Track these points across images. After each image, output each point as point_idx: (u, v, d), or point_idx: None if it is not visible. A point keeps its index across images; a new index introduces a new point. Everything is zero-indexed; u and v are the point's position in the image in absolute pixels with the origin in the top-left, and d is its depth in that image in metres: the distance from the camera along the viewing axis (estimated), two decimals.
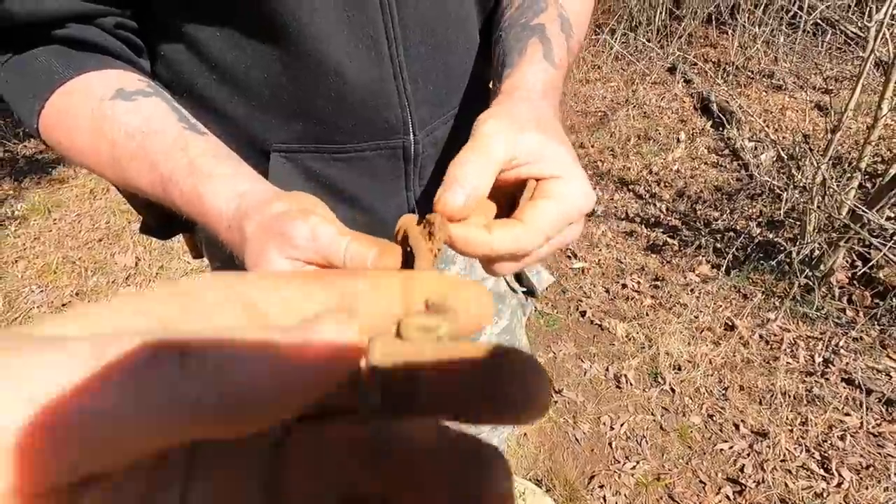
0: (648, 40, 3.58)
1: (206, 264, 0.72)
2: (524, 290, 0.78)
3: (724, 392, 1.54)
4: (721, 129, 2.77)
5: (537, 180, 0.33)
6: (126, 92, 0.40)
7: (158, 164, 0.38)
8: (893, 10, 1.49)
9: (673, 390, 1.56)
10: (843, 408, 1.45)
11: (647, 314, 1.82)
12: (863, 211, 1.45)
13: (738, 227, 2.10)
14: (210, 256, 0.66)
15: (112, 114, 0.39)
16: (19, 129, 2.91)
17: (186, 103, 0.44)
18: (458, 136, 0.55)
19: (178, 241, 2.19)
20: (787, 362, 1.60)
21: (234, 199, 0.35)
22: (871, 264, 1.61)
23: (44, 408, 0.09)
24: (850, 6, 2.82)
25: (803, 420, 1.43)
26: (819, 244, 1.71)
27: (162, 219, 0.64)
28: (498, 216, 0.33)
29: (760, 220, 2.12)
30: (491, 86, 0.50)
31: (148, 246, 2.24)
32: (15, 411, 0.09)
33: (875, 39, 1.43)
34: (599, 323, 1.81)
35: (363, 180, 0.52)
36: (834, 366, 1.56)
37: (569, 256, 2.14)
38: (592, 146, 2.86)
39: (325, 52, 0.43)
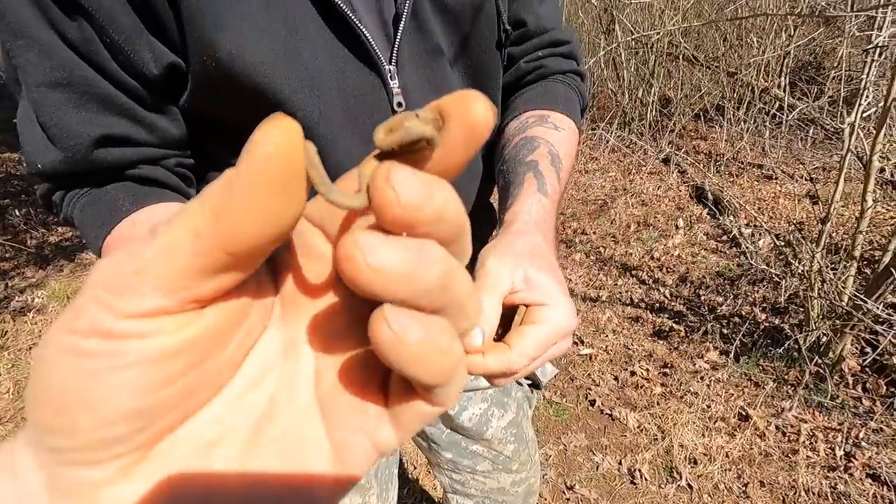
0: (642, 134, 3.82)
1: None
2: (528, 382, 0.80)
3: (743, 489, 1.46)
4: (718, 216, 2.88)
5: (527, 306, 0.38)
6: None
7: None
8: (863, 112, 1.62)
9: (690, 486, 1.49)
10: None
11: (658, 403, 1.78)
12: (861, 300, 1.47)
13: (742, 313, 2.11)
14: None
15: None
16: (48, 218, 3.07)
17: None
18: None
19: None
20: (808, 455, 1.53)
21: None
22: (878, 351, 1.60)
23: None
24: (827, 105, 3.04)
25: None
26: (824, 332, 1.72)
27: None
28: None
29: (765, 305, 2.13)
30: (497, 210, 0.56)
31: None
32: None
33: (849, 139, 1.54)
34: (610, 412, 1.77)
35: None
36: (857, 460, 1.49)
37: (576, 343, 2.13)
38: (594, 233, 2.96)
39: (331, 152, 0.48)
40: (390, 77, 0.48)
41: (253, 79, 0.43)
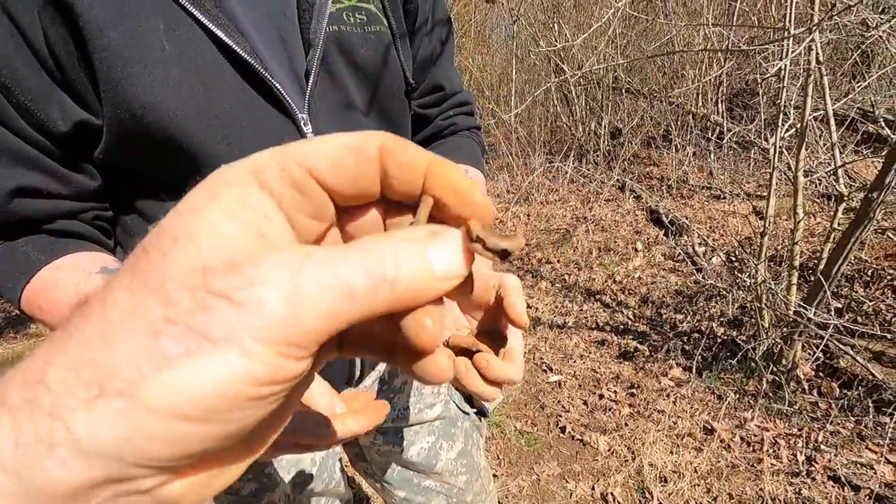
0: (597, 164, 3.98)
1: None
2: (475, 410, 0.82)
3: (713, 502, 1.48)
4: (673, 237, 2.99)
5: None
6: (108, 269, 0.49)
7: None
8: (785, 132, 1.75)
9: None
10: None
11: (627, 424, 1.80)
12: (802, 307, 1.55)
13: (702, 328, 2.18)
14: None
15: (100, 279, 0.47)
16: None
17: None
18: None
19: None
20: (772, 463, 1.57)
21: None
22: (824, 354, 1.67)
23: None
24: (762, 128, 3.24)
25: None
26: (775, 339, 1.79)
27: None
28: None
29: (722, 319, 2.21)
30: None
31: None
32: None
33: (774, 158, 1.66)
34: (581, 438, 1.78)
35: None
36: (818, 463, 1.53)
37: (545, 370, 2.16)
38: (558, 261, 3.03)
39: None
40: (304, 124, 0.52)
41: (167, 130, 0.45)
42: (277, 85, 0.49)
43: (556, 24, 4.04)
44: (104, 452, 0.14)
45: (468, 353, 0.43)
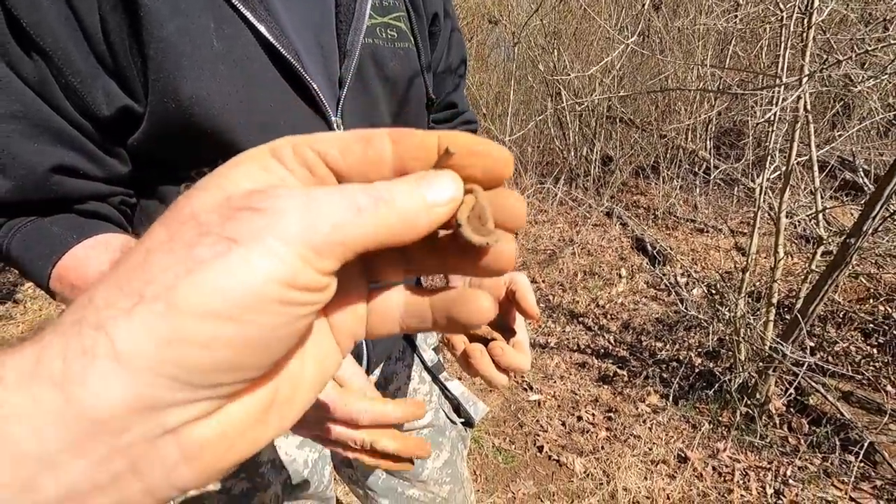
0: (586, 189, 4.06)
1: None
2: (462, 420, 0.83)
3: None
4: (657, 266, 3.06)
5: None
6: None
7: None
8: (771, 174, 1.82)
9: None
10: None
11: (603, 447, 1.82)
12: (778, 343, 1.60)
13: (680, 357, 2.23)
14: None
15: None
16: None
17: None
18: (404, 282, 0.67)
19: None
20: (742, 495, 1.60)
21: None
22: (798, 391, 1.72)
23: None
24: (749, 167, 3.36)
25: None
26: (750, 373, 1.84)
27: None
28: None
29: (700, 350, 2.26)
30: None
31: None
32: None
33: (759, 198, 1.72)
34: (557, 458, 1.79)
35: None
36: (785, 497, 1.57)
37: (525, 389, 2.17)
38: (543, 281, 3.07)
39: None
40: (336, 126, 0.56)
41: (210, 122, 0.48)
42: (316, 87, 0.52)
43: (556, 50, 4.14)
44: (142, 365, 0.15)
45: (482, 340, 0.46)
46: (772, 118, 1.51)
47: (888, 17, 2.22)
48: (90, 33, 0.44)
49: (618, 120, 4.13)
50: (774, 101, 1.52)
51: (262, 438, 0.19)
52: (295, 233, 0.16)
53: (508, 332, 0.49)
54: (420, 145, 0.19)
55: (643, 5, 3.26)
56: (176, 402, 0.16)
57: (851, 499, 1.55)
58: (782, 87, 1.60)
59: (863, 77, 1.62)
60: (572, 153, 4.32)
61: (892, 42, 1.42)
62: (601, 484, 1.68)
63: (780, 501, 1.56)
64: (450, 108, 0.77)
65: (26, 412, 0.15)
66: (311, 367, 0.21)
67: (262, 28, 0.48)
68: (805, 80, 1.36)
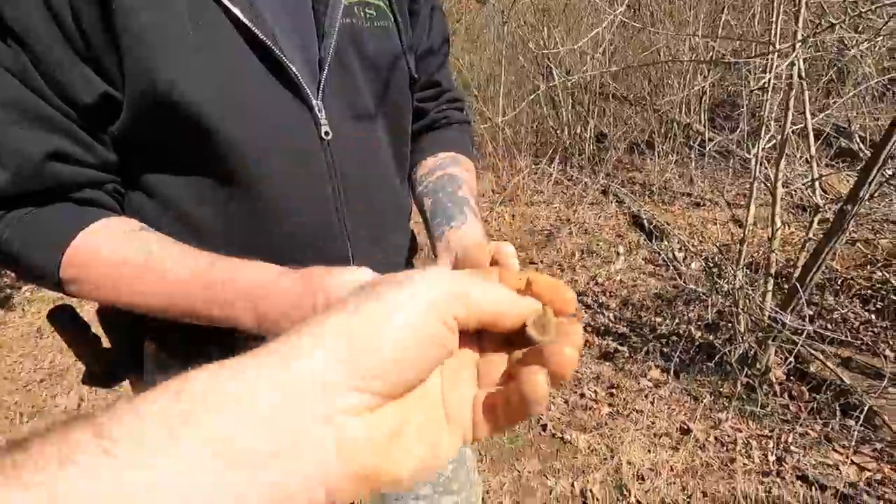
0: (581, 167, 4.04)
1: None
2: None
3: (688, 500, 1.52)
4: (654, 242, 3.06)
5: None
6: (147, 227, 0.52)
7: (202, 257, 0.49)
8: (766, 144, 1.81)
9: (639, 502, 1.53)
10: None
11: (607, 423, 1.84)
12: (777, 313, 1.61)
13: (680, 332, 2.24)
14: None
15: (144, 234, 0.50)
16: None
17: None
18: (389, 261, 0.67)
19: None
20: (744, 463, 1.62)
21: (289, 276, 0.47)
22: (790, 359, 1.73)
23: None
24: (744, 138, 3.34)
25: None
26: (750, 344, 1.85)
27: (107, 365, 0.69)
28: None
29: (699, 323, 2.27)
30: (430, 226, 0.65)
31: None
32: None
33: (755, 168, 1.71)
34: (561, 436, 1.81)
35: None
36: (787, 463, 1.59)
37: None
38: (542, 262, 3.07)
39: (284, 202, 0.55)
40: (318, 110, 0.55)
41: (189, 109, 0.47)
42: (294, 70, 0.51)
43: (546, 28, 4.08)
44: (325, 351, 0.20)
45: None
46: (766, 86, 1.49)
47: None
48: (62, 19, 0.43)
49: (611, 96, 4.09)
50: (768, 69, 1.50)
51: (400, 468, 0.22)
52: (427, 299, 0.22)
53: None
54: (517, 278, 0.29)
55: None
56: (345, 386, 0.20)
57: (853, 462, 1.57)
58: (775, 54, 1.57)
59: (857, 41, 1.60)
60: (566, 132, 4.28)
61: (886, 3, 1.40)
62: (605, 459, 1.69)
63: (782, 468, 1.58)
64: (434, 87, 0.75)
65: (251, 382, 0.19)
66: (419, 446, 0.24)
67: (236, 11, 0.47)
68: (798, 45, 1.34)
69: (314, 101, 0.54)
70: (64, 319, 0.66)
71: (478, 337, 0.28)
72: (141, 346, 0.71)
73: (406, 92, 0.65)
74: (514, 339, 0.28)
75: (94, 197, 0.51)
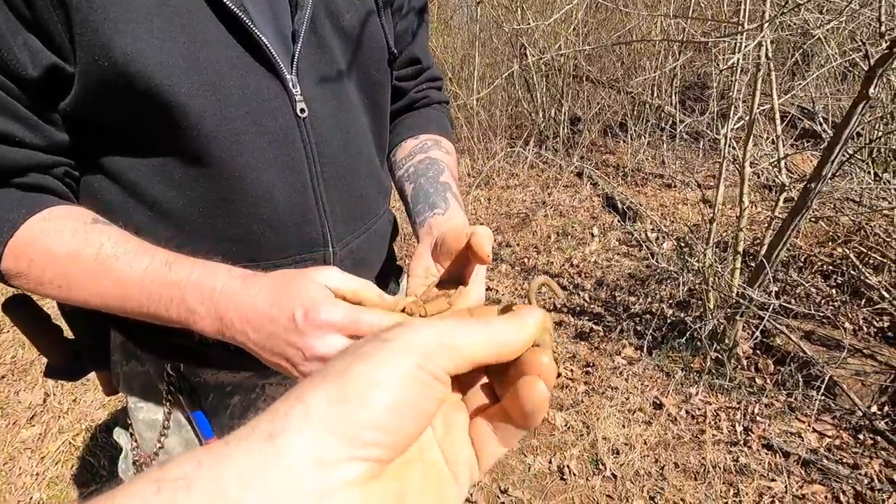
0: (556, 150, 4.06)
1: (120, 399, 0.72)
2: None
3: (661, 471, 1.58)
4: (629, 222, 3.11)
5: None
6: (99, 219, 0.47)
7: (158, 254, 0.45)
8: (735, 125, 1.85)
9: (614, 476, 1.58)
10: (768, 474, 1.53)
11: (583, 401, 1.88)
12: (745, 289, 1.66)
13: (653, 310, 2.29)
14: (127, 390, 0.68)
15: (95, 226, 0.46)
16: None
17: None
18: (370, 244, 0.65)
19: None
20: (713, 434, 1.68)
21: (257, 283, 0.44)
22: (756, 334, 1.79)
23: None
24: (713, 119, 3.40)
25: (735, 491, 1.49)
26: (719, 320, 1.90)
27: (68, 358, 0.66)
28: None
29: (671, 301, 2.33)
30: (411, 211, 0.63)
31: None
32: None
33: (724, 148, 1.75)
34: None
35: None
36: (753, 433, 1.66)
37: None
38: (518, 244, 3.09)
39: (259, 184, 0.51)
40: (292, 85, 0.52)
41: (151, 80, 0.43)
42: (266, 42, 0.48)
43: (519, 9, 4.05)
44: (318, 421, 0.19)
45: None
46: (734, 66, 1.52)
47: None
48: None
49: (584, 79, 4.10)
50: (737, 49, 1.52)
51: None
52: (425, 351, 0.21)
53: (460, 284, 0.48)
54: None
55: None
56: (340, 458, 0.18)
57: (814, 430, 1.65)
58: (744, 34, 1.60)
59: (821, 21, 1.64)
60: (541, 115, 4.29)
61: None
62: (581, 435, 1.74)
63: (749, 437, 1.65)
64: (413, 65, 0.73)
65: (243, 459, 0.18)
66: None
67: None
68: (766, 25, 1.36)
69: (287, 76, 0.51)
70: (20, 310, 0.62)
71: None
72: (107, 336, 0.69)
73: (385, 68, 0.63)
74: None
75: (41, 182, 0.47)
